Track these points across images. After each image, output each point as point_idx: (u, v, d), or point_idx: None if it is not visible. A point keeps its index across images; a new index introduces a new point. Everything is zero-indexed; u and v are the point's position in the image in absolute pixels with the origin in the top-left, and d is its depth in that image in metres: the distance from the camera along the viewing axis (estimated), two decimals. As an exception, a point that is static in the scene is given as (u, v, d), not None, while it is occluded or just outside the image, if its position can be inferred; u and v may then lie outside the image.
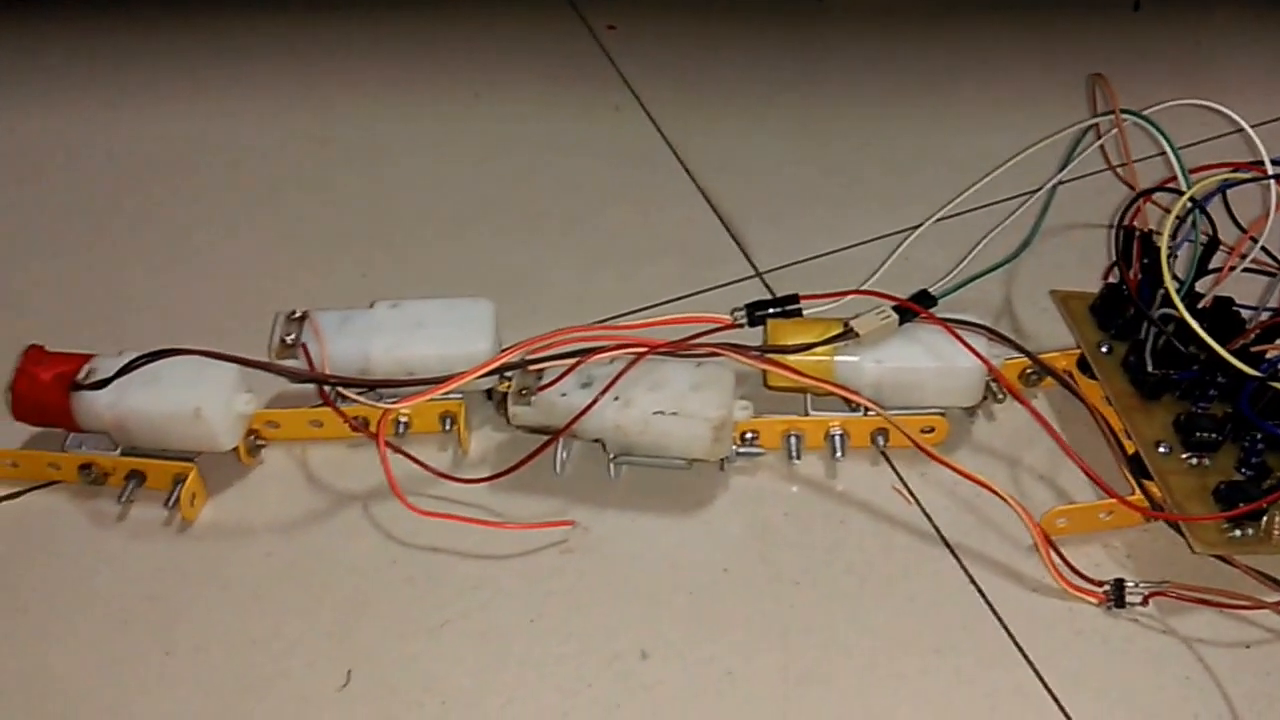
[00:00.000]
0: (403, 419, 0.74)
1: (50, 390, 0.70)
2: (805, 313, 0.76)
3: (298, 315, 0.74)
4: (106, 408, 0.69)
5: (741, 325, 0.77)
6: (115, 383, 0.69)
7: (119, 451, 0.72)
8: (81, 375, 0.70)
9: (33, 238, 0.93)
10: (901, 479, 0.72)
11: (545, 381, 0.70)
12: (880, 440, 0.73)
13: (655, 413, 0.68)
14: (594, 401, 0.68)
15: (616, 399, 0.68)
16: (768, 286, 0.87)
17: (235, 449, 0.72)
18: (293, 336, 0.73)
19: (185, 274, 0.89)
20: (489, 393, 0.75)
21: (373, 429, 0.72)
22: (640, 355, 0.69)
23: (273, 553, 0.69)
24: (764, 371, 0.72)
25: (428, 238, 0.92)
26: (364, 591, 0.67)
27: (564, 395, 0.69)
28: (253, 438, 0.74)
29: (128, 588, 0.67)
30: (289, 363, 0.72)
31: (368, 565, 0.68)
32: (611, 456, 0.70)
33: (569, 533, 0.69)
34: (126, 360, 0.69)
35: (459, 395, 0.73)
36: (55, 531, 0.71)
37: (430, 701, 0.62)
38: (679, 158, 1.00)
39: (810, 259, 0.89)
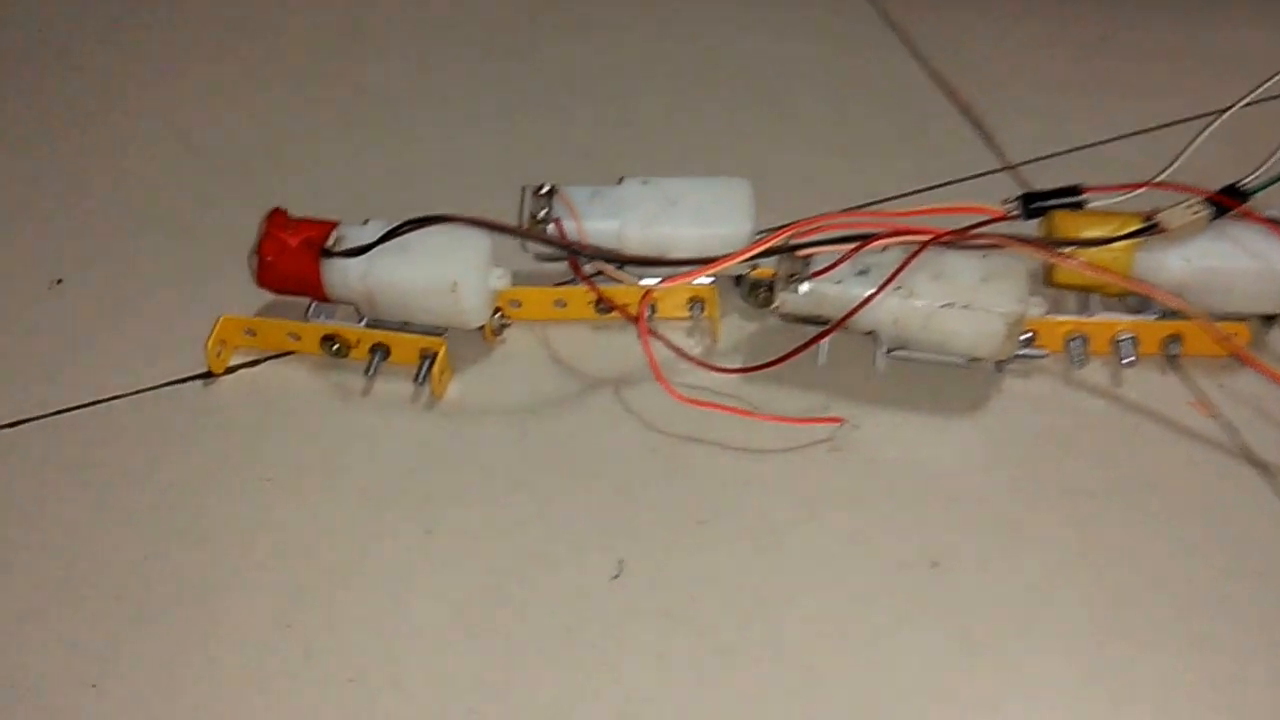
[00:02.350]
0: (697, 303, 0.71)
1: (299, 257, 0.67)
2: (1089, 206, 0.70)
3: (545, 190, 0.70)
4: (359, 278, 0.66)
5: (1015, 217, 0.71)
6: (369, 252, 0.66)
7: (363, 323, 0.69)
8: (330, 242, 0.67)
9: (265, 97, 0.89)
10: (1198, 391, 0.67)
11: (818, 268, 0.65)
12: (1173, 347, 0.67)
13: (943, 305, 0.63)
14: (877, 291, 0.63)
15: (898, 289, 0.64)
16: (1020, 181, 0.80)
17: (480, 326, 0.69)
18: (545, 211, 0.69)
19: (410, 148, 0.85)
20: (738, 279, 0.71)
21: (631, 310, 0.68)
22: (925, 243, 0.64)
23: (527, 433, 0.66)
24: (1049, 267, 0.67)
25: (652, 120, 0.87)
26: (626, 479, 0.64)
27: (839, 283, 0.65)
28: (498, 315, 0.70)
29: (380, 463, 0.65)
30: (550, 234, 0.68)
31: (627, 452, 0.65)
32: (885, 350, 0.66)
33: (836, 430, 0.66)
34: (385, 227, 0.66)
35: (712, 279, 0.69)
36: (298, 403, 0.68)
37: (711, 599, 0.59)
38: (907, 43, 0.93)
39: (1064, 153, 0.82)
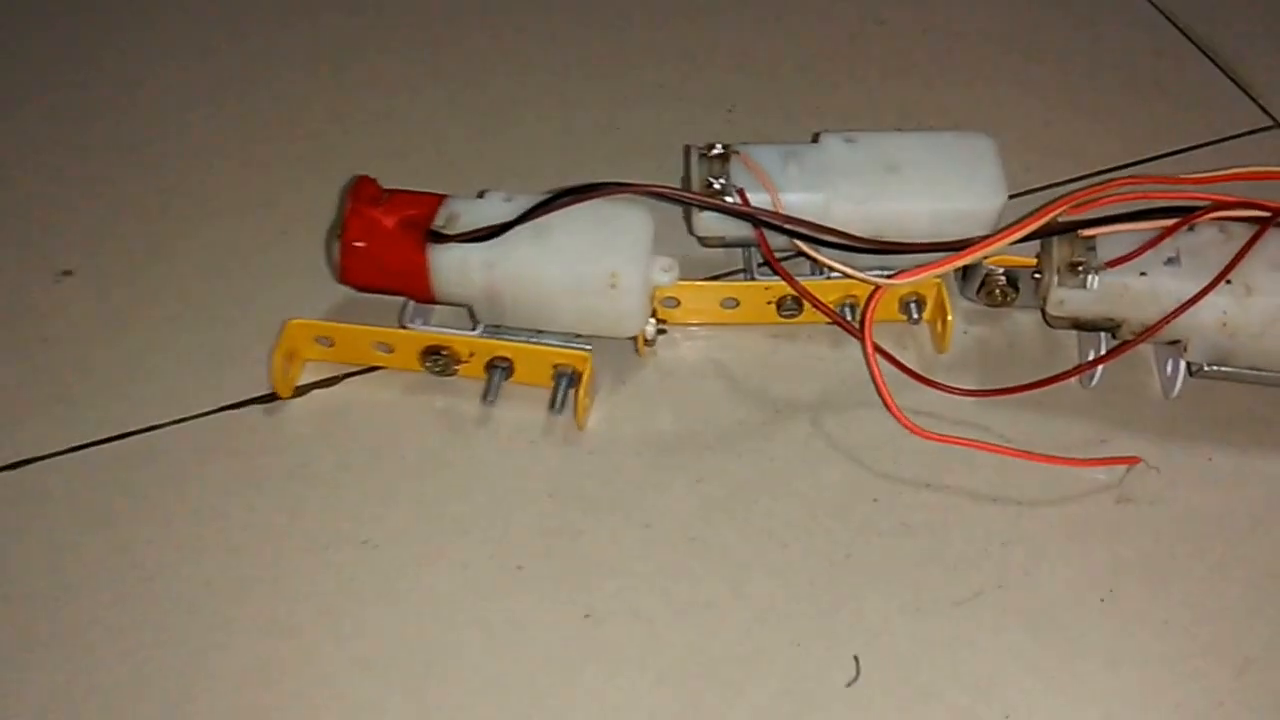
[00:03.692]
0: (849, 302, 0.54)
1: (397, 241, 0.50)
2: None
3: (718, 151, 0.53)
4: (483, 269, 0.49)
5: None
6: (502, 236, 0.49)
7: (478, 331, 0.52)
8: (440, 222, 0.50)
9: (353, 60, 0.70)
10: None
11: (1112, 256, 0.48)
12: None
13: None
14: (1211, 286, 0.46)
15: (1230, 283, 0.47)
16: None
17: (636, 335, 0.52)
18: (723, 180, 0.52)
19: (513, 114, 0.67)
20: (964, 271, 0.55)
21: (831, 309, 0.52)
22: (1267, 221, 0.48)
23: (703, 478, 0.50)
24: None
25: (829, 66, 0.69)
26: (847, 546, 0.47)
27: (1144, 275, 0.48)
28: (654, 320, 0.54)
29: (508, 520, 0.48)
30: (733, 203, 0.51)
31: (840, 504, 0.49)
32: (1191, 367, 0.50)
33: (1126, 474, 0.49)
34: (514, 201, 0.50)
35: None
36: (390, 435, 0.51)
37: (972, 705, 0.43)
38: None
39: None
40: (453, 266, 0.50)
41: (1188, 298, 0.47)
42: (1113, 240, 0.49)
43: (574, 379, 0.51)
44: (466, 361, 0.52)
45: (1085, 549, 0.47)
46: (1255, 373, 0.49)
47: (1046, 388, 0.49)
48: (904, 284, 0.50)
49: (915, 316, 0.54)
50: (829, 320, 0.52)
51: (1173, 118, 0.64)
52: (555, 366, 0.51)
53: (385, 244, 0.50)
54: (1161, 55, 0.69)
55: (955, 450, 0.49)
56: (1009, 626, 0.45)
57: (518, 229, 0.49)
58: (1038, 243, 0.50)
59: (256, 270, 0.58)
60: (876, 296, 0.50)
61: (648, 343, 0.53)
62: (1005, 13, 0.72)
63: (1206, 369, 0.49)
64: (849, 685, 0.43)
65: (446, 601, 0.46)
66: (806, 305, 0.53)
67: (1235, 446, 0.50)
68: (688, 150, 0.54)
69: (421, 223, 0.50)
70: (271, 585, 0.46)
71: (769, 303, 0.54)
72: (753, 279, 0.54)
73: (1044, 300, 0.50)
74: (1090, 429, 0.51)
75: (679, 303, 0.55)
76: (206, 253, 0.59)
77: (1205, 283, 0.47)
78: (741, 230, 0.52)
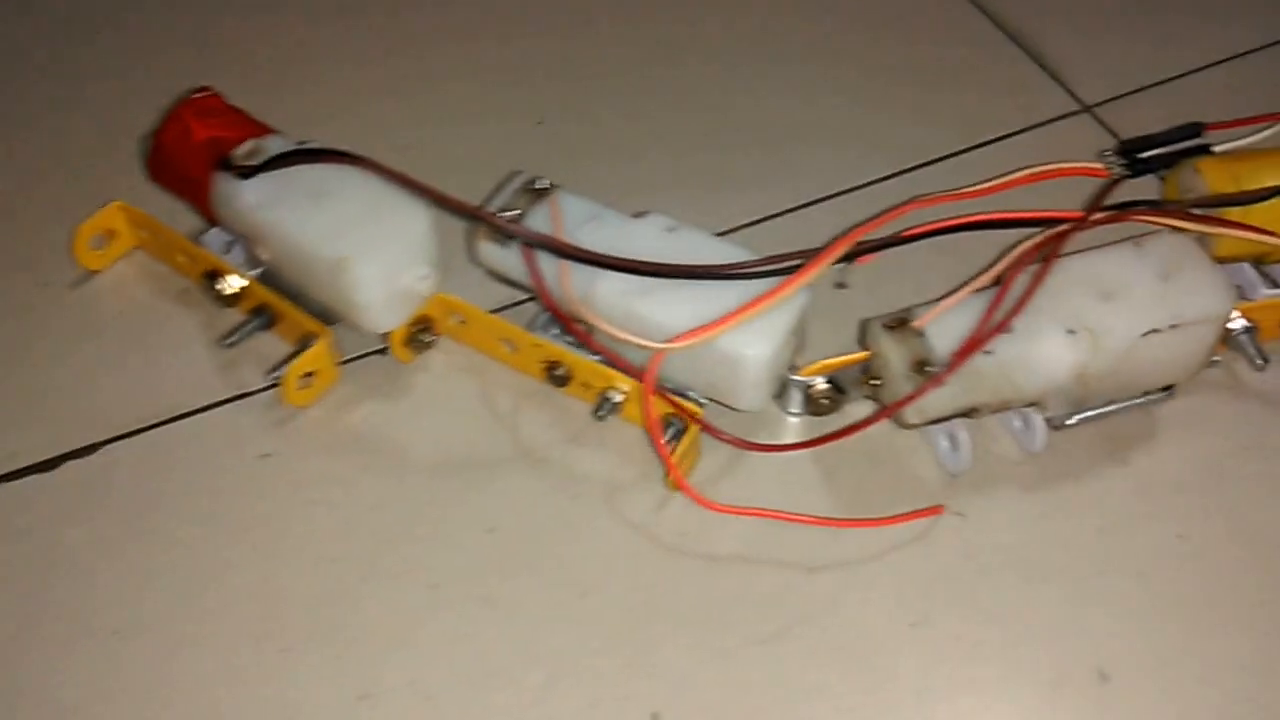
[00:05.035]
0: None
1: (196, 155, 0.50)
2: (1216, 149, 0.54)
3: (541, 185, 0.49)
4: (250, 208, 0.48)
5: (1121, 177, 0.55)
6: (274, 179, 0.48)
7: (258, 272, 0.51)
8: (242, 151, 0.50)
9: None
10: None
11: (951, 341, 0.44)
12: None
13: (1146, 333, 0.44)
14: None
15: (1072, 333, 0.44)
16: (1102, 122, 0.61)
17: (387, 333, 0.50)
18: (517, 212, 0.48)
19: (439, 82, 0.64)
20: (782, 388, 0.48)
21: (591, 390, 0.48)
22: (1053, 248, 0.46)
23: (496, 528, 0.46)
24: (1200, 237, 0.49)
25: (650, 69, 0.65)
26: (648, 590, 0.44)
27: (989, 353, 0.44)
28: (421, 329, 0.51)
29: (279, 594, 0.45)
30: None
31: (644, 544, 0.45)
32: (1055, 423, 0.46)
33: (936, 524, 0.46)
34: (289, 147, 0.48)
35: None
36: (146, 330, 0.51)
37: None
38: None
39: (1149, 87, 0.63)
40: (228, 197, 0.49)
41: (1038, 359, 0.44)
42: (947, 323, 0.45)
43: (302, 349, 0.48)
44: (243, 299, 0.51)
45: (896, 570, 0.44)
46: (1113, 407, 0.47)
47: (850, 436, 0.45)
48: (677, 346, 0.45)
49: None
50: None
51: (986, 107, 0.62)
52: (304, 334, 0.50)
53: (186, 154, 0.50)
54: (973, 45, 0.66)
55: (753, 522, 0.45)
56: (816, 663, 0.42)
57: (300, 184, 0.48)
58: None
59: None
60: (655, 362, 0.45)
61: (408, 347, 0.50)
62: (819, 10, 0.68)
63: (1069, 422, 0.47)
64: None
65: (204, 691, 0.42)
66: (575, 380, 0.48)
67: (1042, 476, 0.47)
68: (511, 175, 0.50)
69: (227, 145, 0.50)
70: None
71: (540, 362, 0.49)
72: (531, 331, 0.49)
73: (900, 415, 0.45)
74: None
75: (468, 322, 0.51)
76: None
77: (1051, 336, 0.44)
78: (522, 275, 0.48)
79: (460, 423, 0.49)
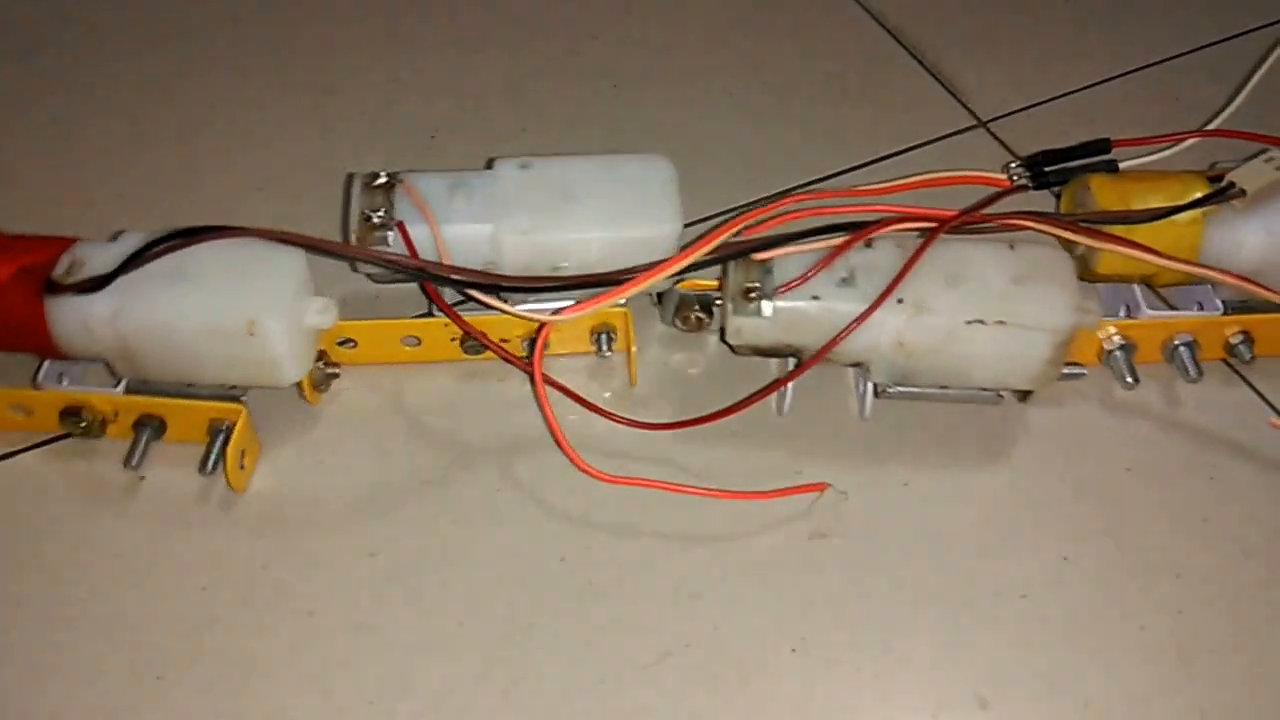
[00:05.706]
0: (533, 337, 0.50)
1: (10, 294, 0.45)
2: (1121, 165, 0.55)
3: (382, 180, 0.49)
4: (104, 321, 0.44)
5: (1025, 188, 0.57)
6: (119, 281, 0.44)
7: (122, 387, 0.47)
8: (60, 270, 0.45)
9: None
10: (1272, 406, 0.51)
11: (786, 279, 0.46)
12: (1243, 350, 0.50)
13: (970, 321, 0.45)
14: (875, 305, 0.44)
15: (901, 302, 0.45)
16: (997, 137, 0.63)
17: (299, 381, 0.48)
18: (382, 212, 0.48)
19: (195, 138, 0.62)
20: (659, 296, 0.52)
21: (514, 350, 0.48)
22: (934, 231, 0.46)
23: (377, 552, 0.45)
24: (1086, 254, 0.50)
25: (538, 85, 0.65)
26: (529, 618, 0.44)
27: (817, 298, 0.46)
28: (322, 364, 0.49)
29: (158, 609, 0.43)
30: (385, 250, 0.47)
31: (528, 572, 0.45)
32: (876, 388, 0.48)
33: (816, 502, 0.47)
34: (134, 245, 0.44)
35: (625, 300, 0.49)
36: (30, 511, 0.46)
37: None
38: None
39: (1044, 102, 0.65)
40: (73, 319, 0.44)
41: (863, 319, 0.45)
42: (794, 262, 0.46)
43: (227, 435, 0.46)
44: (113, 420, 0.47)
45: (778, 593, 0.44)
46: (940, 390, 0.47)
47: (733, 415, 0.47)
48: (562, 319, 0.47)
49: (606, 350, 0.51)
50: (507, 359, 0.49)
51: (884, 122, 0.63)
52: (211, 422, 0.47)
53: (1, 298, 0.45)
54: (872, 60, 0.67)
55: (644, 493, 0.46)
56: (695, 689, 0.42)
57: (151, 274, 0.44)
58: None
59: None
60: (543, 333, 0.47)
61: (316, 388, 0.49)
62: (716, 24, 0.69)
63: (891, 390, 0.47)
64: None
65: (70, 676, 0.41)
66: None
67: (932, 467, 0.48)
68: (349, 179, 0.49)
69: (40, 271, 0.45)
70: None
71: (452, 339, 0.50)
72: (432, 315, 0.50)
73: (723, 329, 0.47)
74: (786, 458, 0.48)
75: (357, 343, 0.50)
76: None
77: (883, 302, 0.45)
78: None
79: (352, 450, 0.48)
